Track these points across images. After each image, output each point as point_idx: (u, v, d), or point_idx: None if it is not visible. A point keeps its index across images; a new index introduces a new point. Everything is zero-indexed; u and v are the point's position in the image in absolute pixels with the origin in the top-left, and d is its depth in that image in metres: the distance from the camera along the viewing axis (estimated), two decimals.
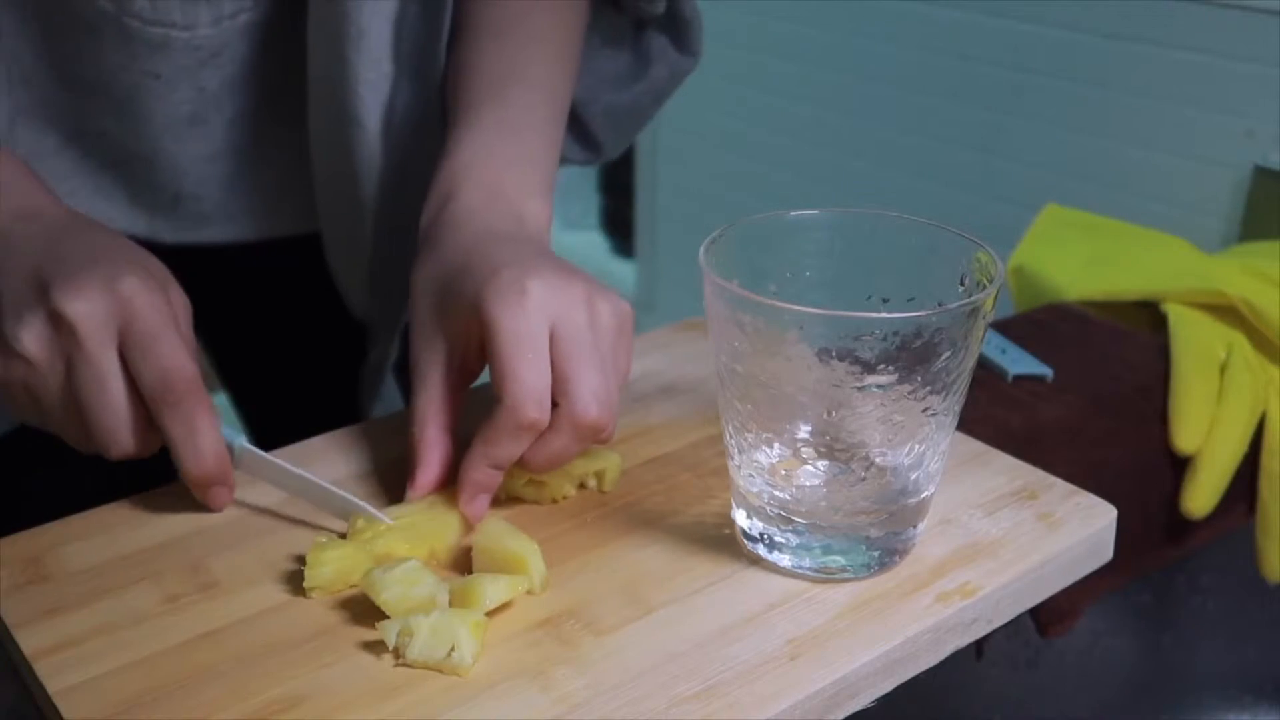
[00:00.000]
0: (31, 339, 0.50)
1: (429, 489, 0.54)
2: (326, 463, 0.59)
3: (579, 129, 0.77)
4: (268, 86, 0.73)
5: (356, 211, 0.73)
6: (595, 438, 0.53)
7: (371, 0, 0.65)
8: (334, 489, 0.54)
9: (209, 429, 0.52)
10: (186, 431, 0.51)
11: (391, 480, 0.58)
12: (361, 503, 0.53)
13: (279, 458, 0.55)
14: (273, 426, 0.56)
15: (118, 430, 0.51)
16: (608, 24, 0.75)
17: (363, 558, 0.50)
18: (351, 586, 0.50)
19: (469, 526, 0.53)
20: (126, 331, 0.51)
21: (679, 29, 0.77)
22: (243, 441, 0.54)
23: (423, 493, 0.54)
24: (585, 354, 0.52)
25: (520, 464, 0.53)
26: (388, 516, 0.53)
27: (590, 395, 0.51)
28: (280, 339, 0.87)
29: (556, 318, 0.52)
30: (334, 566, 0.49)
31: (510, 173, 0.61)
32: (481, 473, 0.53)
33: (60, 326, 0.50)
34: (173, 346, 0.51)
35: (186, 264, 0.81)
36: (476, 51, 0.66)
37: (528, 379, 0.51)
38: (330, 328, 0.85)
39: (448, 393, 0.55)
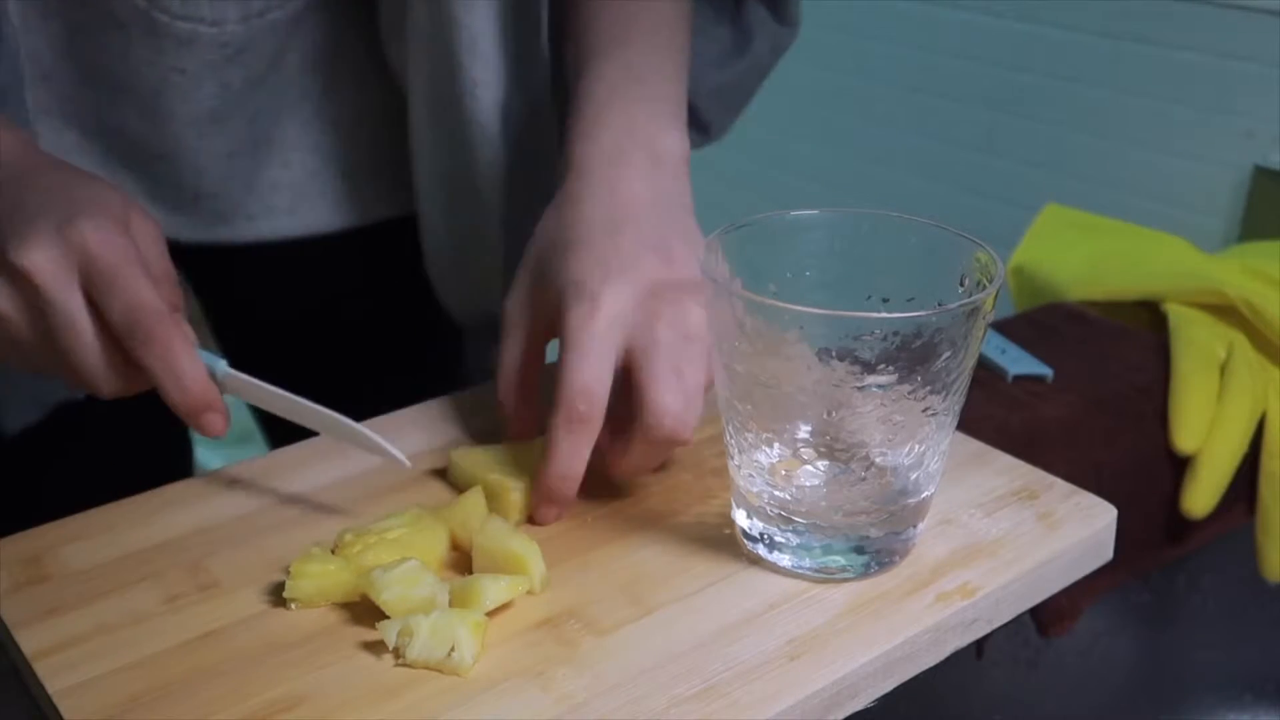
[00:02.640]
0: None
1: (521, 431, 0.57)
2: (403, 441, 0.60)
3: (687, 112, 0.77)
4: (289, 84, 0.73)
5: (480, 213, 0.73)
6: (672, 447, 0.54)
7: (479, 1, 0.66)
8: (318, 407, 0.55)
9: (186, 356, 0.52)
10: (164, 363, 0.51)
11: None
12: (344, 419, 0.55)
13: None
14: (288, 424, 0.56)
15: (98, 370, 0.52)
16: (707, 1, 0.76)
17: (346, 575, 0.49)
18: (332, 604, 0.49)
19: (454, 541, 0.53)
20: (87, 274, 0.51)
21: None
22: (224, 366, 0.55)
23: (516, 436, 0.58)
24: (657, 365, 0.52)
25: (608, 471, 0.55)
26: (391, 519, 0.52)
27: (662, 409, 0.52)
28: (297, 338, 0.87)
29: (630, 328, 0.53)
30: (315, 582, 0.49)
31: (642, 108, 0.61)
32: (551, 481, 0.53)
33: (18, 280, 0.50)
34: (133, 281, 0.51)
35: (205, 263, 0.82)
36: (594, 11, 0.67)
37: (577, 378, 0.52)
38: (354, 325, 0.85)
39: (529, 354, 0.58)
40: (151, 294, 0.51)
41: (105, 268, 0.51)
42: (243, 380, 0.55)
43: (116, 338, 0.51)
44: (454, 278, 0.78)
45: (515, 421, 0.58)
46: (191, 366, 0.52)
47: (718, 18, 0.77)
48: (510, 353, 0.58)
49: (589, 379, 0.52)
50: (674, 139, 0.61)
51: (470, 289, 0.78)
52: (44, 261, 0.50)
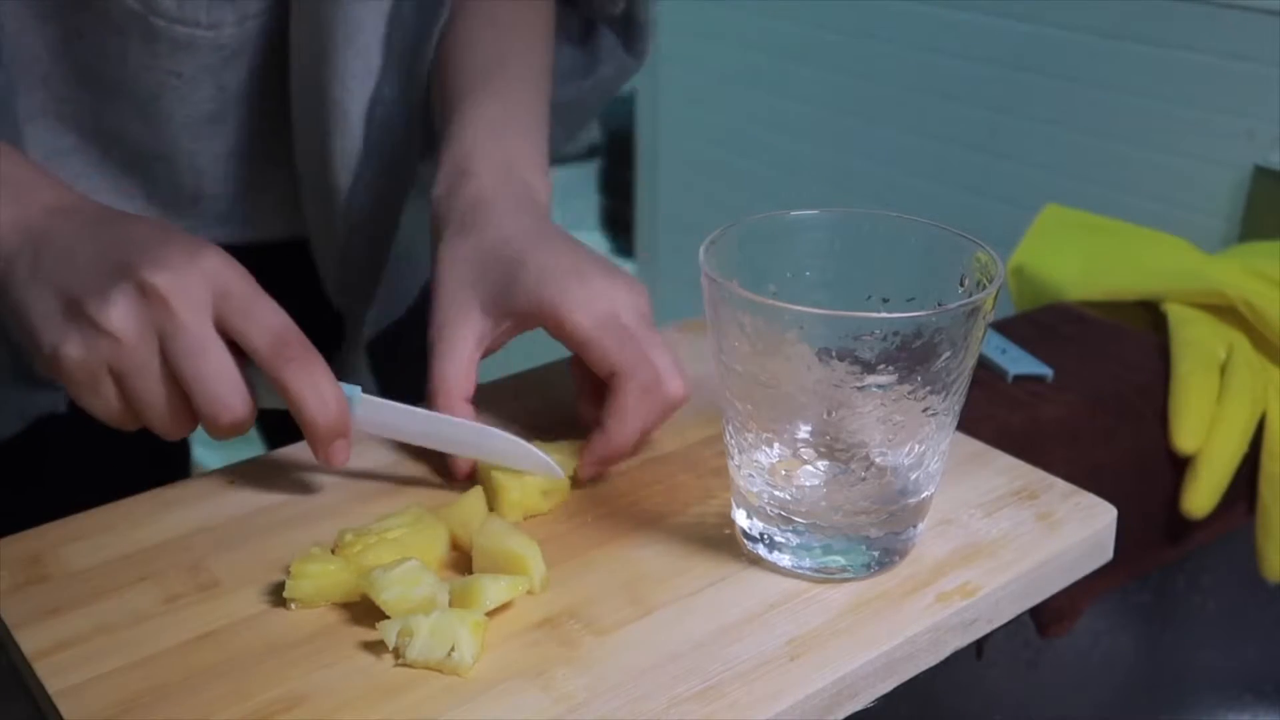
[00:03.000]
0: (120, 315, 0.49)
1: (469, 471, 0.57)
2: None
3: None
4: (284, 85, 0.73)
5: (331, 202, 0.73)
6: (677, 406, 0.57)
7: None
8: (465, 422, 0.56)
9: (329, 380, 0.52)
10: (309, 384, 0.51)
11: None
12: (504, 433, 0.56)
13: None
14: (280, 427, 0.56)
15: (230, 396, 0.51)
16: (559, 20, 0.77)
17: (346, 576, 0.49)
18: (332, 604, 0.49)
19: (454, 540, 0.53)
20: (222, 300, 0.50)
21: (631, 30, 0.78)
22: (360, 393, 0.55)
23: (464, 477, 0.57)
24: (650, 337, 0.57)
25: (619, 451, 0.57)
26: (391, 519, 0.52)
27: (671, 374, 0.56)
28: None
29: (618, 300, 0.57)
30: (315, 582, 0.49)
31: (517, 150, 0.64)
32: (612, 450, 0.56)
33: (151, 299, 0.49)
34: (272, 306, 0.52)
35: None
36: (469, 37, 0.69)
37: (629, 348, 0.55)
38: (339, 326, 0.85)
39: (472, 365, 0.58)
40: (289, 319, 0.52)
41: (245, 293, 0.51)
42: (381, 405, 0.55)
43: (258, 361, 0.51)
44: (323, 266, 0.79)
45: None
46: (335, 389, 0.52)
47: (565, 39, 0.78)
48: (464, 362, 0.58)
49: (635, 349, 0.55)
50: (543, 184, 0.64)
51: (340, 285, 0.79)
52: (180, 283, 0.49)
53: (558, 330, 0.57)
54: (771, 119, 2.06)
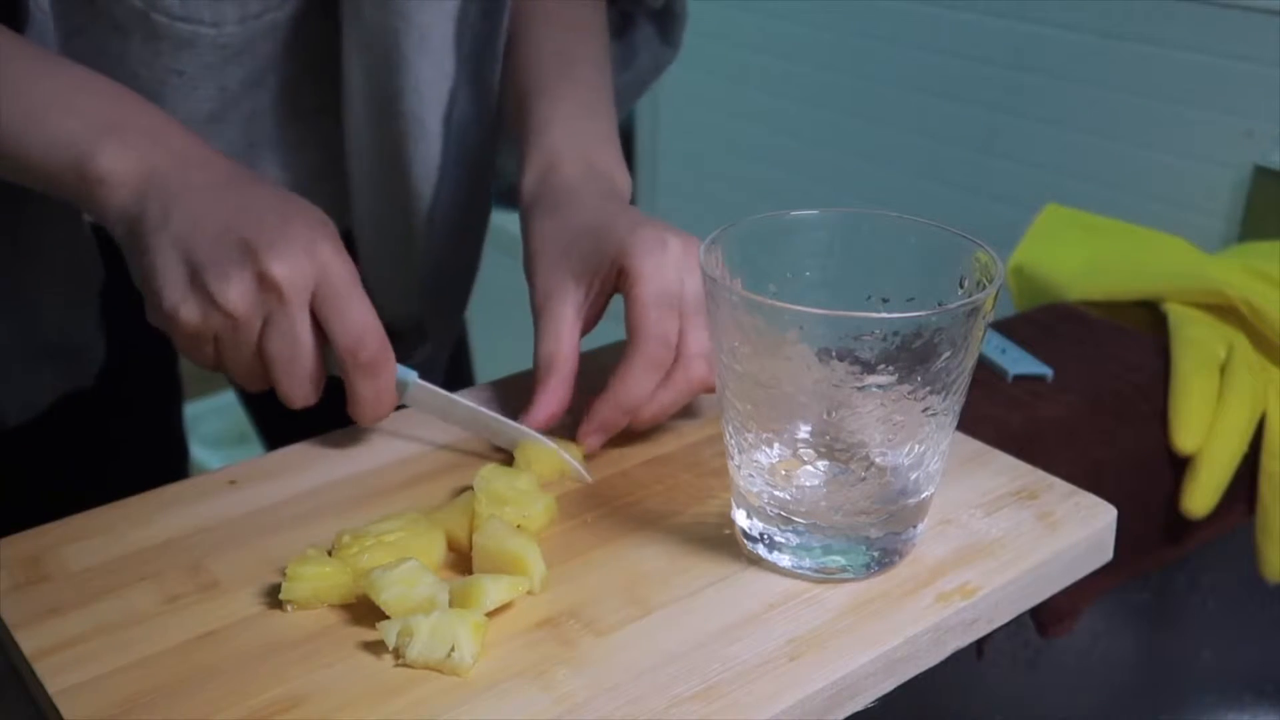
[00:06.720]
0: (239, 297, 0.53)
1: (544, 423, 0.59)
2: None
3: None
4: (285, 86, 0.73)
5: (409, 212, 0.73)
6: (700, 391, 0.58)
7: (434, 0, 0.66)
8: (500, 418, 0.59)
9: (389, 384, 0.56)
10: (371, 390, 0.56)
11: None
12: (526, 429, 0.58)
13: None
14: (279, 427, 0.57)
15: (304, 384, 0.55)
16: None
17: (343, 578, 0.49)
18: (329, 605, 0.49)
19: (451, 543, 0.53)
20: (321, 291, 0.54)
21: (668, 22, 0.80)
22: (414, 378, 0.59)
23: (537, 424, 0.58)
24: (700, 316, 0.57)
25: (633, 420, 0.58)
26: (388, 522, 0.52)
27: (701, 356, 0.57)
28: None
29: (686, 277, 0.57)
30: (311, 584, 0.49)
31: (597, 148, 0.66)
32: (611, 412, 0.57)
33: (266, 287, 0.53)
34: (362, 303, 0.55)
35: None
36: (531, 36, 0.70)
37: (663, 325, 0.56)
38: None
39: (574, 337, 0.60)
40: (376, 319, 0.55)
41: (342, 289, 0.54)
42: (429, 390, 0.59)
43: (336, 352, 0.54)
44: (383, 280, 0.79)
45: (553, 402, 0.59)
46: (390, 394, 0.57)
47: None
48: (565, 335, 0.59)
49: (670, 328, 0.57)
50: (623, 178, 0.66)
51: (397, 291, 0.79)
52: (294, 277, 0.53)
53: (624, 286, 0.57)
54: (771, 119, 2.06)
